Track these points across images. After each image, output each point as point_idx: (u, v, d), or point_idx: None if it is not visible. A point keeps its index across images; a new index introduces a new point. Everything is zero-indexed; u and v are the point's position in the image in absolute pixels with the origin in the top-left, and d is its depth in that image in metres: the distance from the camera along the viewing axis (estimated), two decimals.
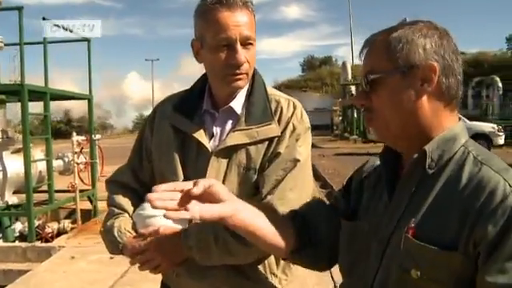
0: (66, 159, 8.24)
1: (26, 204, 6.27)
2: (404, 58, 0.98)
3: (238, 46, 1.36)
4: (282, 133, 1.43)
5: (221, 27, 1.34)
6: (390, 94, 0.99)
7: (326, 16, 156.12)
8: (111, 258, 4.55)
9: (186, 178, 1.45)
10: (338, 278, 1.20)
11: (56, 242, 6.36)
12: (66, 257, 5.37)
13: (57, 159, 8.03)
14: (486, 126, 19.22)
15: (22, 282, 4.62)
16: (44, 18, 6.87)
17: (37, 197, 7.20)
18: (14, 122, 8.73)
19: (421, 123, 0.99)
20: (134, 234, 1.45)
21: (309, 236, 1.21)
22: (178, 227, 1.42)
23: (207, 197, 1.01)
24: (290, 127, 1.44)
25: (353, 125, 32.00)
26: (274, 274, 1.48)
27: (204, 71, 1.52)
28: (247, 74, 1.42)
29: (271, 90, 1.52)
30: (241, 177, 1.42)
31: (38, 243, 6.14)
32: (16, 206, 6.85)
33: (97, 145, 8.32)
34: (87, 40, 7.78)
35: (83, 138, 7.90)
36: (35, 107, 7.85)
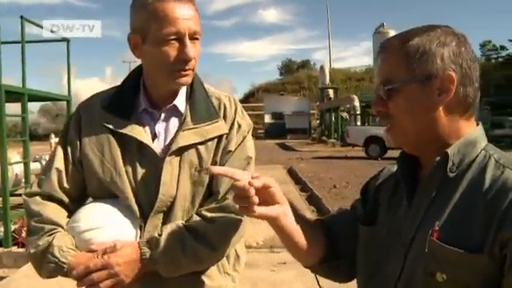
0: (43, 161, 8.06)
1: (3, 208, 6.08)
2: (422, 67, 0.97)
3: (187, 41, 1.29)
4: (229, 130, 1.41)
5: (169, 20, 1.27)
6: (406, 103, 0.99)
7: (304, 20, 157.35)
8: None
9: (130, 182, 1.36)
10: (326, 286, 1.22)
11: None
12: None
13: (34, 162, 7.85)
14: None
15: None
16: (22, 17, 6.69)
17: (12, 200, 7.00)
18: None
19: (438, 131, 0.99)
20: (79, 251, 1.30)
21: (334, 248, 1.20)
22: (129, 236, 1.32)
23: (265, 195, 1.04)
24: (236, 124, 1.43)
25: (330, 128, 32.29)
26: (227, 273, 1.47)
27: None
28: (193, 70, 1.36)
29: (208, 87, 1.48)
30: (193, 178, 1.37)
31: (15, 248, 5.93)
32: None
33: None
34: (67, 40, 7.61)
35: None
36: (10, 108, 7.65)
